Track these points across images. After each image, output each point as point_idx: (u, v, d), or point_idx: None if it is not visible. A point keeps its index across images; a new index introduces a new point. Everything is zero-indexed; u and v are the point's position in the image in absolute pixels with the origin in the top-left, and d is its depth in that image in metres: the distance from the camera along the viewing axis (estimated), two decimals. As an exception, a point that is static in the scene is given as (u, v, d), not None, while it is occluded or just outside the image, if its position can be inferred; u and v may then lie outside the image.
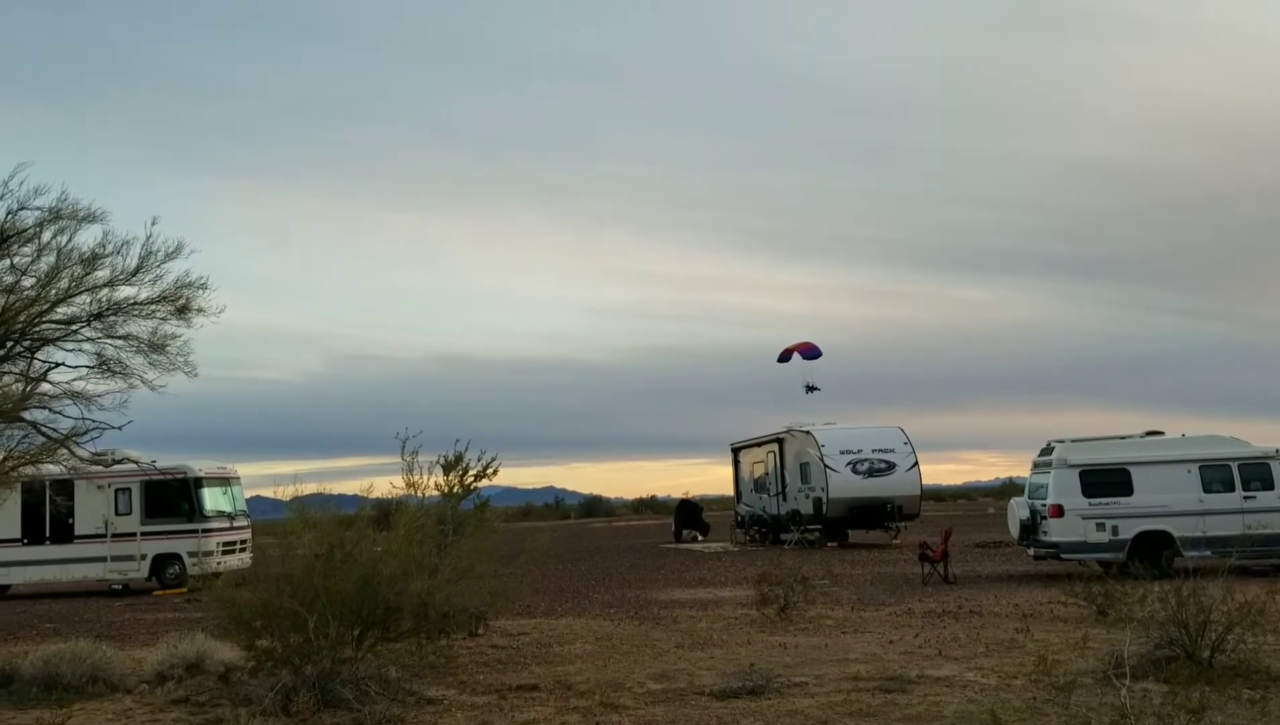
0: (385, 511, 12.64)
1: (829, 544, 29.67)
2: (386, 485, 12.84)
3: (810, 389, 27.40)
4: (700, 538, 35.92)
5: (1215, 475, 18.35)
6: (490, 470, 13.24)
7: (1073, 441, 19.18)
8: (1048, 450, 19.25)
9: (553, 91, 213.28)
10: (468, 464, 13.09)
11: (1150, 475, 18.34)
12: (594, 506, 72.08)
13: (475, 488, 13.22)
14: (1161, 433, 19.70)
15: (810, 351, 27.10)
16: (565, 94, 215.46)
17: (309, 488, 11.26)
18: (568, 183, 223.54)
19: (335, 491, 12.16)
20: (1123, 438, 19.62)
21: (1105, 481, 18.37)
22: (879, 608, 15.49)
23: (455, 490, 12.96)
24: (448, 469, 13.02)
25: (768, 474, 33.64)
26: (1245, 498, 18.16)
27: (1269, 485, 18.26)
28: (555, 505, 73.07)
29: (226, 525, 24.20)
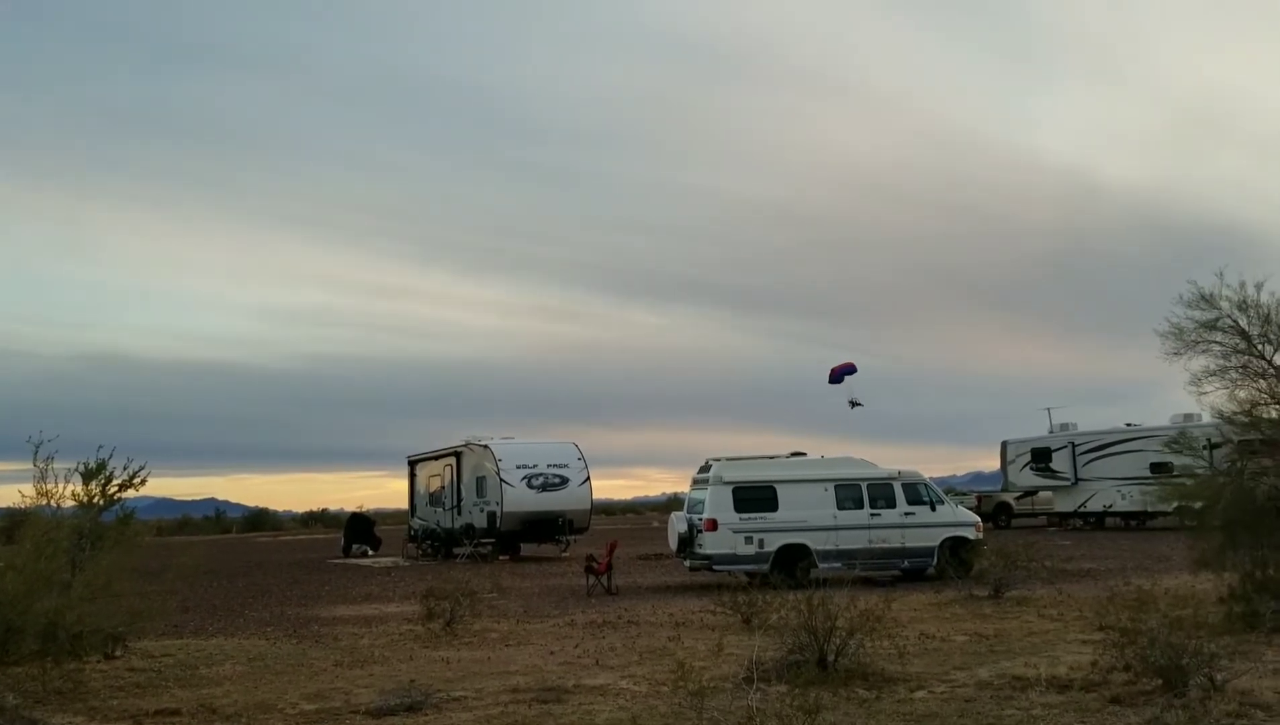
0: (12, 523, 11.53)
1: (501, 557, 29.93)
2: (15, 494, 11.65)
3: (854, 404, 27.89)
4: (371, 552, 35.11)
5: (847, 494, 20.18)
6: (138, 479, 12.32)
7: (728, 460, 20.48)
8: (706, 468, 20.43)
9: (234, 82, 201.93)
10: (111, 472, 12.13)
11: (793, 493, 19.90)
12: (259, 519, 68.94)
13: (120, 498, 12.27)
14: (804, 454, 21.45)
15: (841, 372, 27.45)
16: (247, 86, 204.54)
17: (-82, 497, 10.03)
18: (246, 178, 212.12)
19: (-49, 501, 10.90)
20: (771, 458, 21.15)
21: (754, 498, 19.75)
22: (544, 619, 15.82)
23: (96, 501, 11.97)
24: (88, 477, 11.99)
25: (444, 487, 33.46)
26: (871, 515, 20.11)
27: (891, 504, 20.31)
28: (216, 518, 69.07)
29: None
